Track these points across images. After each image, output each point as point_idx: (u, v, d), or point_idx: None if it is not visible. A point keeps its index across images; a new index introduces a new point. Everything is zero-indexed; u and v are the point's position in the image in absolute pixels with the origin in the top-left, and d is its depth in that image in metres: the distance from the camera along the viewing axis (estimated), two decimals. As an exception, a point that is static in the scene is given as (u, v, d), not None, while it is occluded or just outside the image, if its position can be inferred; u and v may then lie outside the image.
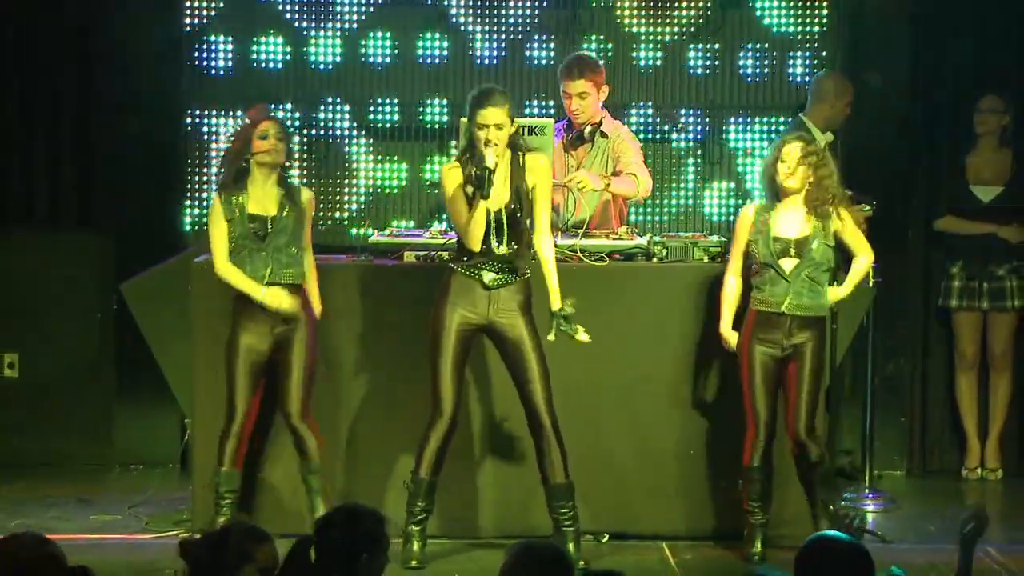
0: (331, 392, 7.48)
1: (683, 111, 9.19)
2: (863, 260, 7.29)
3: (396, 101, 9.22)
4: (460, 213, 6.93)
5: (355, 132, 9.24)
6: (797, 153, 7.16)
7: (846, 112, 8.86)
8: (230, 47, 9.19)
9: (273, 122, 7.27)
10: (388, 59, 9.20)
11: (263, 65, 9.19)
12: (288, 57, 9.19)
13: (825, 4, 9.21)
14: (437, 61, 9.17)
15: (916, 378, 9.16)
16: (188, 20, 9.13)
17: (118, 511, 7.97)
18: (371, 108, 9.22)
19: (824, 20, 9.22)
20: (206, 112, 9.17)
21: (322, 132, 9.24)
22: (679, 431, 7.54)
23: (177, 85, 9.14)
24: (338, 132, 9.24)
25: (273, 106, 9.02)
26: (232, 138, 7.40)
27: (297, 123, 9.18)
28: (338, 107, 9.23)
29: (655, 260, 7.64)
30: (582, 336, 6.97)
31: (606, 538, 7.47)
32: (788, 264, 7.14)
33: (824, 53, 9.23)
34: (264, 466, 7.47)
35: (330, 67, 9.20)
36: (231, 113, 9.11)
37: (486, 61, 9.16)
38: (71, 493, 8.40)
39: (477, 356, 7.28)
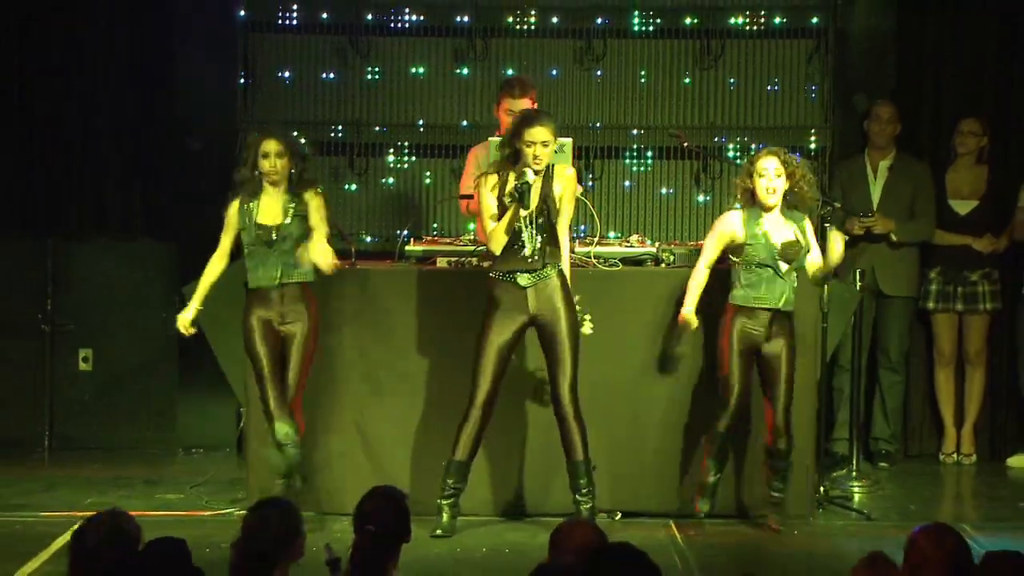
0: (368, 382, 7.49)
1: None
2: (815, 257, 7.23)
3: (426, 121, 9.24)
4: (491, 219, 6.93)
5: (394, 147, 9.25)
6: (778, 167, 7.10)
7: (876, 129, 8.89)
8: (278, 72, 9.21)
9: (273, 140, 7.15)
10: (422, 81, 9.23)
11: (311, 85, 9.22)
12: (334, 78, 9.20)
13: (815, 31, 9.19)
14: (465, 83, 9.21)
15: (900, 372, 9.12)
16: (242, 45, 9.16)
17: (181, 491, 7.98)
18: (407, 125, 9.24)
19: (816, 48, 9.20)
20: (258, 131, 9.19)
21: (365, 147, 9.25)
22: (685, 419, 7.52)
23: (233, 105, 9.16)
24: (379, 147, 9.25)
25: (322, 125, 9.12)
26: (245, 149, 7.33)
27: (341, 138, 9.20)
28: (378, 125, 9.24)
29: (663, 265, 7.63)
30: (587, 328, 7.01)
31: (619, 516, 7.45)
32: (784, 266, 7.12)
33: (815, 77, 9.21)
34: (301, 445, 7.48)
35: (373, 88, 9.22)
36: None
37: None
38: (139, 474, 8.43)
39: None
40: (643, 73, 9.24)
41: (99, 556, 4.44)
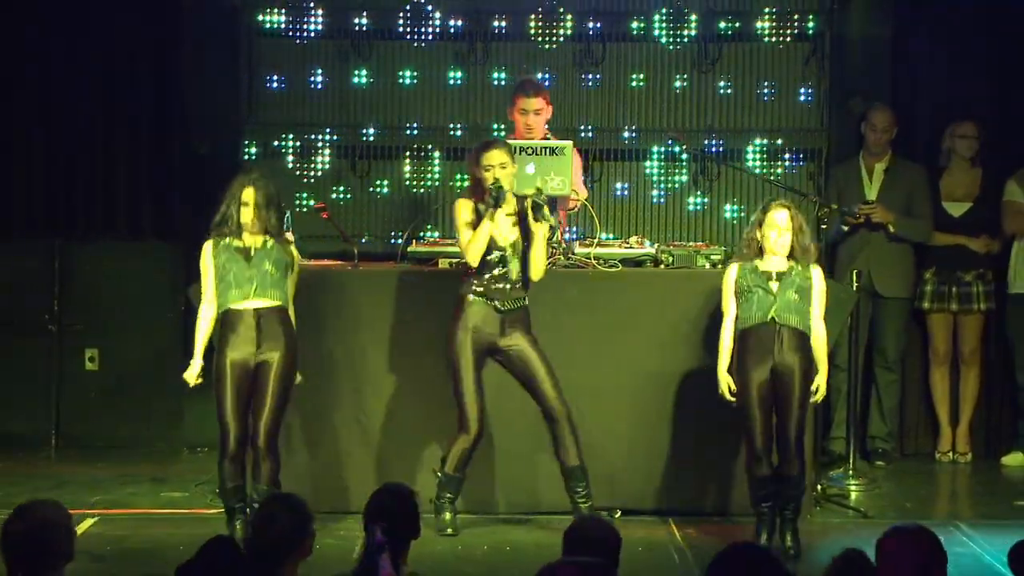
0: (371, 381, 7.48)
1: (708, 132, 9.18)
2: (819, 330, 6.90)
3: (427, 124, 9.22)
4: (467, 233, 6.96)
5: (396, 150, 9.24)
6: (787, 221, 6.84)
7: (873, 137, 8.87)
8: (282, 76, 9.21)
9: (253, 188, 6.82)
10: (415, 87, 9.22)
11: (315, 89, 9.21)
12: (336, 82, 9.20)
13: (811, 36, 9.18)
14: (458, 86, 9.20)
15: (896, 371, 9.10)
16: (247, 50, 9.17)
17: (186, 489, 7.96)
18: (408, 128, 9.23)
19: (812, 52, 9.19)
20: (262, 135, 9.20)
21: (367, 150, 9.24)
22: (684, 418, 7.50)
23: (238, 112, 9.16)
24: (382, 150, 9.24)
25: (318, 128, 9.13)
26: (226, 192, 6.92)
27: (343, 141, 9.20)
28: (380, 128, 9.23)
29: (662, 267, 7.61)
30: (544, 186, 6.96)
31: (619, 514, 7.41)
32: (774, 285, 6.84)
33: (812, 81, 9.21)
34: (303, 447, 7.45)
35: (374, 92, 9.21)
36: (282, 136, 9.15)
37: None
38: (145, 472, 8.41)
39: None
40: (641, 76, 9.23)
41: (30, 544, 4.41)
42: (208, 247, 6.91)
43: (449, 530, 7.01)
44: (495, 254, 6.95)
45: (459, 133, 9.18)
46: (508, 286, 6.97)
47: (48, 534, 4.46)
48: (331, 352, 7.48)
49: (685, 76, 9.22)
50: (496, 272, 6.96)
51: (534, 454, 7.38)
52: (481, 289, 6.98)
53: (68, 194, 9.26)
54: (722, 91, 9.22)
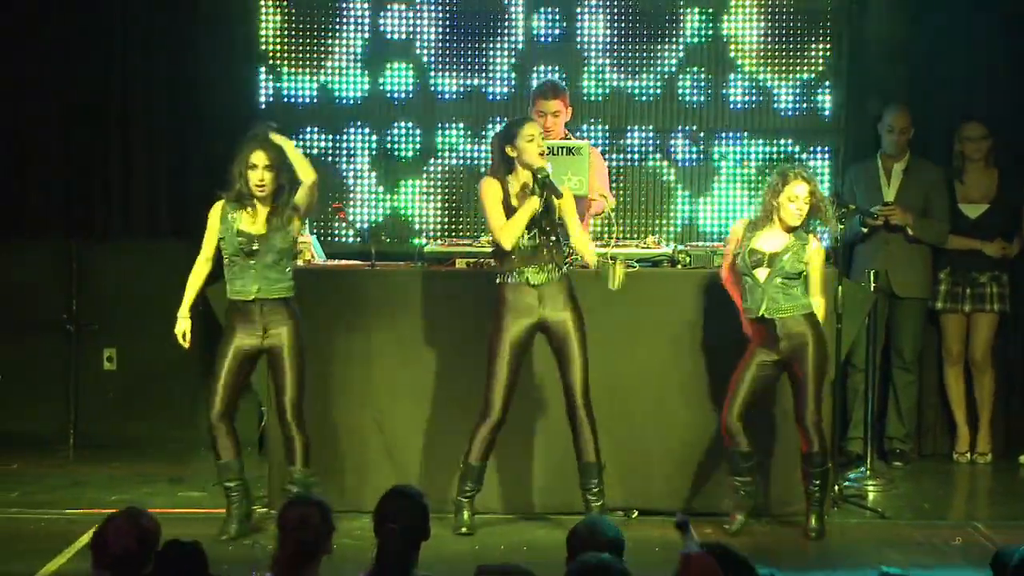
0: (387, 381, 7.48)
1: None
2: (818, 307, 7.07)
3: (448, 126, 9.22)
4: (501, 217, 6.94)
5: (415, 152, 9.23)
6: (808, 195, 6.99)
7: (890, 139, 8.83)
8: (300, 78, 9.21)
9: (263, 151, 6.85)
10: (455, 94, 9.20)
11: (332, 89, 9.21)
12: (356, 83, 9.20)
13: (830, 35, 9.15)
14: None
15: (913, 372, 9.08)
16: (263, 49, 9.17)
17: (203, 488, 7.97)
18: (428, 129, 9.21)
19: (828, 56, 9.17)
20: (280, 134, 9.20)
21: (386, 151, 9.24)
22: (703, 418, 7.49)
23: (255, 111, 9.16)
24: (400, 151, 9.23)
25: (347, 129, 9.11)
26: (237, 151, 6.96)
27: (362, 143, 9.18)
28: (399, 129, 9.21)
29: (680, 267, 7.60)
30: (620, 272, 6.93)
31: (635, 514, 7.42)
32: (761, 273, 6.99)
33: (830, 81, 9.19)
34: (319, 446, 7.44)
35: (395, 93, 9.20)
36: (300, 136, 9.15)
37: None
38: (162, 472, 8.42)
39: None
40: (657, 75, 9.21)
41: (122, 555, 4.43)
42: (217, 210, 6.97)
43: (464, 529, 7.01)
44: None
45: (483, 135, 9.14)
46: (537, 259, 6.96)
47: (154, 540, 4.52)
48: (348, 352, 7.49)
49: (703, 75, 9.19)
50: (523, 247, 6.95)
51: (556, 454, 7.37)
52: (510, 268, 6.97)
53: (85, 194, 9.28)
54: (740, 90, 9.19)
